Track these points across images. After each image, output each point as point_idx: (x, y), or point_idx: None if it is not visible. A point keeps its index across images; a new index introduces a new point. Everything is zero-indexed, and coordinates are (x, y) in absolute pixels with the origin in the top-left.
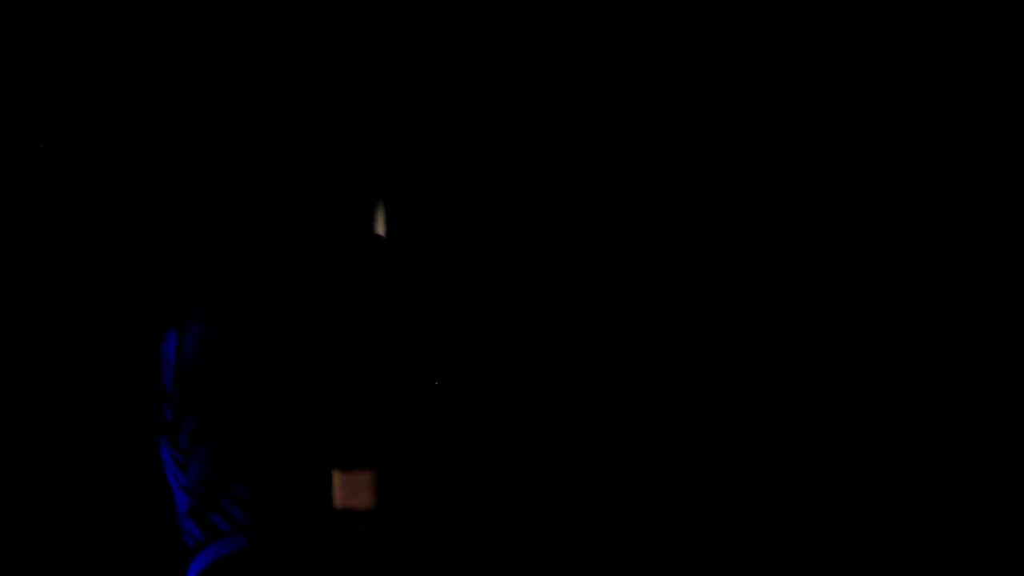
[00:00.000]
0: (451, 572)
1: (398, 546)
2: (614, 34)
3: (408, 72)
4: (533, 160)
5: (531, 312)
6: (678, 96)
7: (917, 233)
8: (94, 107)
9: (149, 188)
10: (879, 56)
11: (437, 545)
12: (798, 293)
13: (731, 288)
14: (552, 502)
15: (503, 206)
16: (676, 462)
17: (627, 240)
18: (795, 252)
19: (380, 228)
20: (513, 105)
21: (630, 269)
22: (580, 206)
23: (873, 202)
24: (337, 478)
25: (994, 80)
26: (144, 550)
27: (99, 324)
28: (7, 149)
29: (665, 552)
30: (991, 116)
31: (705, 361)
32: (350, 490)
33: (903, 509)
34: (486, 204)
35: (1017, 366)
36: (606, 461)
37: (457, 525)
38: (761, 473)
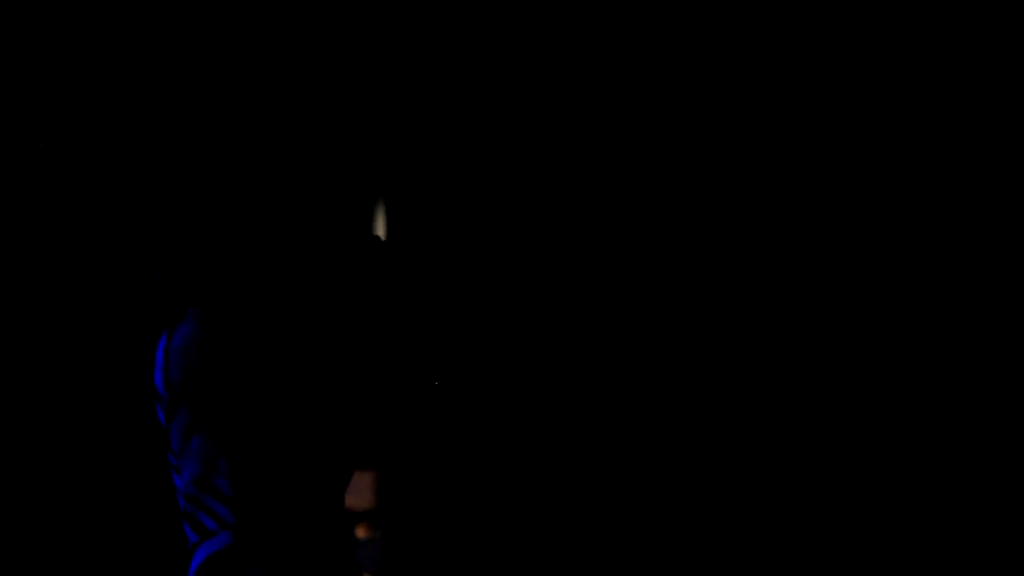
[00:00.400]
0: (451, 572)
1: (398, 546)
2: (614, 34)
3: (408, 72)
4: (532, 160)
5: (530, 312)
6: (678, 96)
7: (917, 233)
8: (94, 107)
9: (148, 188)
10: (879, 56)
11: (437, 545)
12: (797, 293)
13: (731, 288)
14: (552, 502)
15: (502, 206)
16: (675, 462)
17: (626, 240)
18: (795, 252)
19: (380, 228)
20: (512, 105)
21: (629, 269)
22: (579, 206)
23: (873, 202)
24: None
25: (994, 80)
26: (159, 559)
27: (99, 324)
28: (7, 149)
29: (665, 552)
30: (991, 116)
31: (704, 361)
32: (350, 490)
33: (903, 509)
34: (485, 204)
35: (1017, 366)
36: (605, 461)
37: (457, 525)
38: (760, 473)
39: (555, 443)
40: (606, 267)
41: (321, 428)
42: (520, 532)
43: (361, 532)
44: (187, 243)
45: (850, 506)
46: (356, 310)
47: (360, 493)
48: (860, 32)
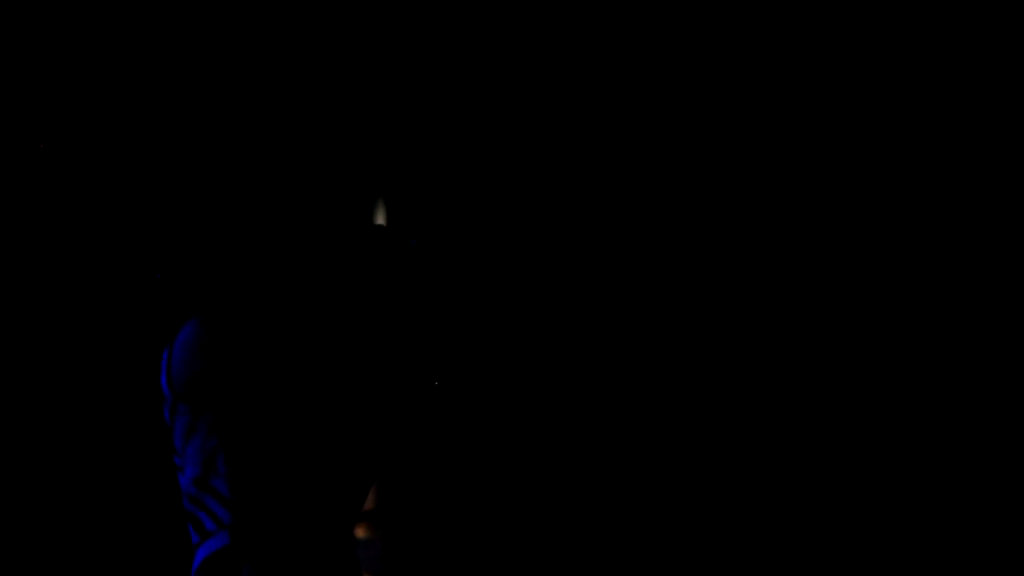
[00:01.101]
0: (451, 572)
1: (398, 546)
2: (614, 34)
3: (408, 72)
4: (531, 160)
5: (530, 312)
6: (678, 96)
7: (917, 233)
8: (94, 107)
9: (148, 188)
10: (879, 56)
11: (437, 545)
12: (798, 293)
13: (730, 288)
14: (552, 502)
15: (502, 205)
16: (676, 464)
17: (627, 239)
18: (795, 252)
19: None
20: (512, 105)
21: (629, 268)
22: (578, 205)
23: (873, 202)
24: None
25: (994, 80)
26: (165, 560)
27: (104, 326)
28: (7, 149)
29: (665, 552)
30: (991, 116)
31: (704, 361)
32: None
33: (903, 509)
34: (485, 203)
35: (1017, 366)
36: (605, 461)
37: (457, 525)
38: (760, 473)
39: (555, 443)
40: (607, 267)
41: (321, 429)
42: (520, 532)
43: (361, 532)
44: (188, 244)
45: (850, 506)
46: (357, 311)
47: None
48: (860, 32)
